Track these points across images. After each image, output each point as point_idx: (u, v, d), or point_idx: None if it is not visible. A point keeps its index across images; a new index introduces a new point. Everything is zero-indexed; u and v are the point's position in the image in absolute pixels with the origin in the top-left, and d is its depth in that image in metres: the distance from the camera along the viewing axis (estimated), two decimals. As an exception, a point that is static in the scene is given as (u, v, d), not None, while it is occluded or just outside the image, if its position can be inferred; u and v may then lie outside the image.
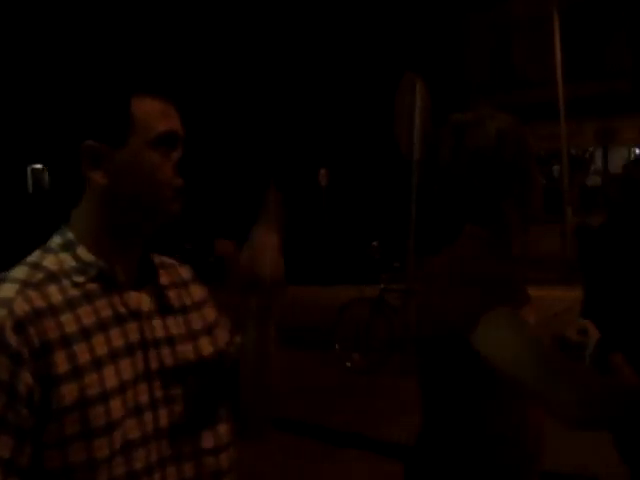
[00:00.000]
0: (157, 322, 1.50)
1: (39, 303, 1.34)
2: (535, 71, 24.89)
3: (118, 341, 1.42)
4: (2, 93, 25.78)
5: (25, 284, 1.36)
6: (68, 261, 1.42)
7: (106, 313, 1.42)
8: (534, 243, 24.17)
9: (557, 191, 21.82)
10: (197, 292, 1.64)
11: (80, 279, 1.41)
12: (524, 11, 24.37)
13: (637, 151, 25.12)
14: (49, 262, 1.42)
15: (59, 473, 1.32)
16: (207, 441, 1.53)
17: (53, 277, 1.39)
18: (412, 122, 8.95)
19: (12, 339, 1.29)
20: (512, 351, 1.73)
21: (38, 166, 28.43)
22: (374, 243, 10.03)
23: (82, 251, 1.44)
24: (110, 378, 1.38)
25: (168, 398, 1.48)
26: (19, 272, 1.39)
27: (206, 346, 1.58)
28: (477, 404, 1.89)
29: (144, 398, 1.44)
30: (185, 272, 1.65)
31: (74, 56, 23.34)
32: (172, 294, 1.57)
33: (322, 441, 6.73)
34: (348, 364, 9.35)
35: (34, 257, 1.44)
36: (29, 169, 28.59)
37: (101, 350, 1.38)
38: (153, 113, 1.45)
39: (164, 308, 1.53)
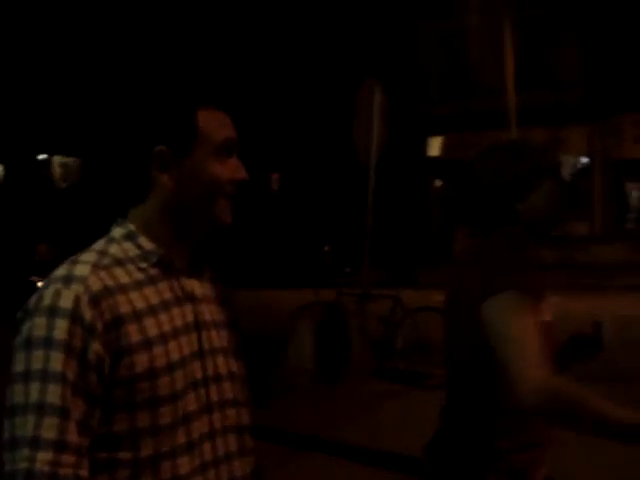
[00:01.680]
0: (205, 307, 1.66)
1: (110, 282, 1.49)
2: (487, 79, 25.21)
3: (178, 320, 1.57)
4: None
5: (96, 266, 1.51)
6: (131, 249, 1.58)
7: (167, 295, 1.58)
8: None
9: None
10: (213, 288, 1.77)
11: (143, 264, 1.57)
12: (476, 19, 24.66)
13: (584, 160, 25.61)
14: (114, 250, 1.57)
15: (126, 436, 1.46)
16: (245, 418, 1.71)
17: (119, 262, 1.55)
18: (370, 128, 9.01)
19: (87, 312, 1.43)
20: (506, 329, 2.05)
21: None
22: (325, 248, 10.10)
23: (143, 241, 1.60)
24: (174, 352, 1.53)
25: (217, 376, 1.63)
26: (88, 256, 1.54)
27: (235, 336, 1.75)
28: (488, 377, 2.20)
29: (199, 374, 1.59)
30: (210, 271, 1.79)
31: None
32: (210, 286, 1.74)
33: (280, 444, 6.72)
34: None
35: (99, 245, 1.58)
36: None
37: (166, 326, 1.54)
38: (215, 124, 1.64)
39: (207, 296, 1.70)
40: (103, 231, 1.68)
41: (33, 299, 1.47)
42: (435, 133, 27.53)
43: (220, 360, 1.66)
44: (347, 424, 7.23)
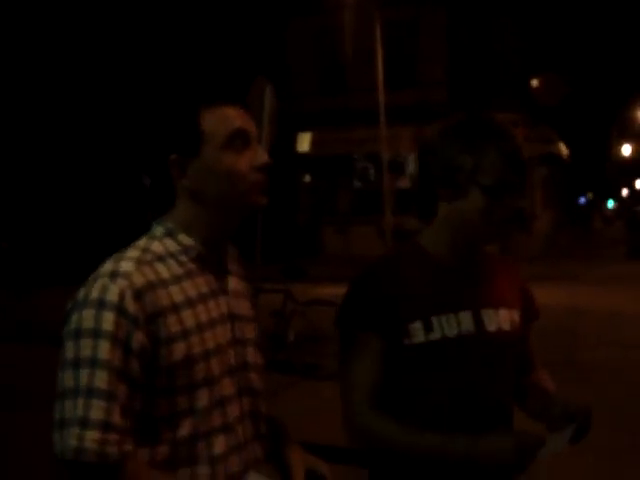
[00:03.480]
0: (235, 301, 1.80)
1: (152, 277, 1.62)
2: (357, 77, 25.76)
3: (214, 311, 1.71)
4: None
5: (139, 262, 1.63)
6: (172, 245, 1.71)
7: (204, 288, 1.71)
8: (355, 242, 24.74)
9: (376, 193, 22.70)
10: (241, 284, 1.88)
11: (183, 258, 1.70)
12: (348, 19, 25.12)
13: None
14: (155, 247, 1.69)
15: (166, 418, 1.60)
16: (263, 407, 1.84)
17: (160, 258, 1.67)
18: (262, 126, 9.12)
19: (131, 306, 1.55)
20: (340, 364, 2.08)
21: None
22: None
23: (183, 237, 1.72)
24: (209, 341, 1.66)
25: (246, 365, 1.78)
26: (132, 253, 1.66)
27: (255, 329, 1.88)
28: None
29: (233, 361, 1.73)
30: (238, 265, 1.90)
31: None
32: (240, 281, 1.87)
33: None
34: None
35: (142, 243, 1.71)
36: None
37: (202, 317, 1.67)
38: (219, 120, 1.71)
39: (238, 291, 1.84)
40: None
41: (81, 292, 1.58)
42: (304, 129, 27.83)
43: (250, 350, 1.80)
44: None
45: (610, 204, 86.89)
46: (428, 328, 1.98)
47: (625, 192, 62.92)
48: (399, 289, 2.01)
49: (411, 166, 26.68)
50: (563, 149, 33.99)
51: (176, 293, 1.64)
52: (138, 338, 1.55)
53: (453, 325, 2.00)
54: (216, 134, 1.69)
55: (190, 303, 1.65)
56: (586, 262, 24.37)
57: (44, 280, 19.47)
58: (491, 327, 2.05)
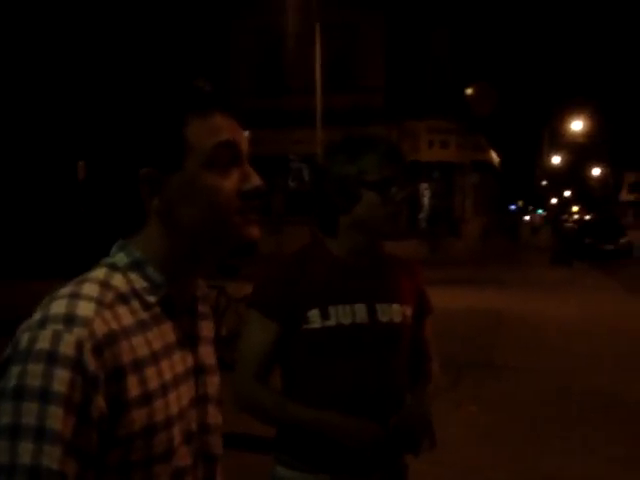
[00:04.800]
0: (204, 349, 1.49)
1: (114, 325, 1.28)
2: (297, 79, 26.06)
3: (179, 366, 1.39)
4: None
5: (100, 304, 1.28)
6: (137, 281, 1.36)
7: (170, 337, 1.38)
8: (289, 242, 25.05)
9: (310, 194, 23.01)
10: (210, 328, 1.57)
11: (152, 299, 1.36)
12: (289, 21, 25.41)
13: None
14: (117, 282, 1.34)
15: None
16: (220, 475, 1.56)
17: (123, 298, 1.33)
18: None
19: (91, 362, 1.21)
20: (240, 340, 2.34)
21: None
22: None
23: (151, 272, 1.37)
24: (173, 404, 1.35)
25: (204, 428, 1.47)
26: (91, 289, 1.30)
27: (217, 381, 1.56)
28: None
29: (194, 426, 1.42)
30: (207, 306, 1.60)
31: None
32: (205, 323, 1.53)
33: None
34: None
35: (101, 274, 1.35)
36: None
37: (167, 375, 1.35)
38: (207, 130, 1.35)
39: (207, 337, 1.53)
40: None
41: (24, 338, 1.22)
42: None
43: (210, 409, 1.48)
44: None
45: (539, 212, 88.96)
46: (325, 316, 2.22)
47: (554, 201, 64.46)
48: (301, 281, 2.25)
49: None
50: (494, 157, 34.81)
51: (139, 346, 1.30)
52: (98, 404, 1.21)
53: (348, 314, 2.24)
54: (202, 147, 1.34)
55: (154, 358, 1.32)
56: (512, 267, 25.07)
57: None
58: (383, 318, 2.28)
